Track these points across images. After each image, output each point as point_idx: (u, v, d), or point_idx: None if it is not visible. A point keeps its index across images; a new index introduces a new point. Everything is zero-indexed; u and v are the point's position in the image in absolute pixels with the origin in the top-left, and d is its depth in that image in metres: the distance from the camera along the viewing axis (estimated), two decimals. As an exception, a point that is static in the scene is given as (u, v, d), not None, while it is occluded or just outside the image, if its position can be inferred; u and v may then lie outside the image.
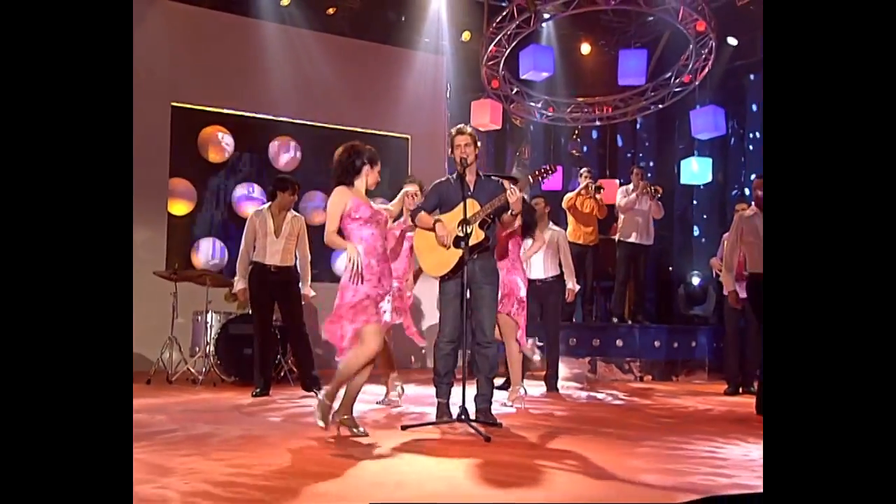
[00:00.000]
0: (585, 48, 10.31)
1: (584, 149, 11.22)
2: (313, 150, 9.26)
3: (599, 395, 6.18)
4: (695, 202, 10.94)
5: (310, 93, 8.87)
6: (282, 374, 6.59)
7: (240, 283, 5.70)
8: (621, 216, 8.17)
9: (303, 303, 5.80)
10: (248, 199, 8.79)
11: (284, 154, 9.05)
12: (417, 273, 5.08)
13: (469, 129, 4.35)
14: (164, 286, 6.70)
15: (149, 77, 7.58)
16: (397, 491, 2.60)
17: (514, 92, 9.89)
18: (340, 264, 9.16)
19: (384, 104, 9.36)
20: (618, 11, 9.47)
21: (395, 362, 5.30)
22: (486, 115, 8.73)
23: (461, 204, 4.20)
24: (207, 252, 8.50)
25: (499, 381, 5.27)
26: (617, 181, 9.61)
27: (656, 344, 7.89)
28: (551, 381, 6.34)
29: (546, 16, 8.76)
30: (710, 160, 9.45)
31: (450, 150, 4.44)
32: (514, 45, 8.80)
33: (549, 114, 10.34)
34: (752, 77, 10.16)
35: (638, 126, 11.34)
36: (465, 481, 2.78)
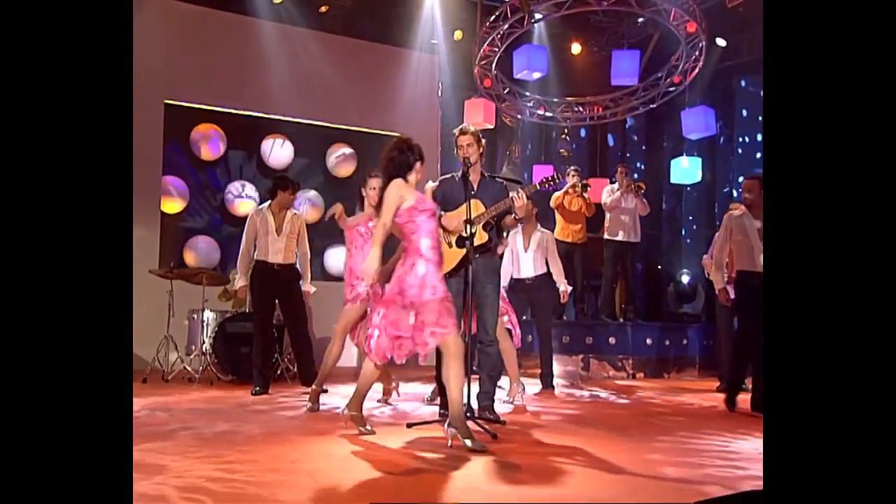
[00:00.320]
0: (576, 48, 10.38)
1: (574, 146, 11.30)
2: (306, 148, 9.26)
3: (602, 394, 6.21)
4: (683, 201, 11.07)
5: (303, 91, 8.85)
6: (278, 372, 6.60)
7: (240, 281, 5.74)
8: (608, 215, 8.25)
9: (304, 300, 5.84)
10: (241, 197, 8.77)
11: (277, 152, 9.03)
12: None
13: (472, 129, 4.38)
14: (159, 285, 6.67)
15: (141, 75, 7.51)
16: (415, 488, 2.64)
17: (505, 91, 9.94)
18: (332, 262, 9.19)
19: (377, 102, 9.36)
20: (608, 12, 9.54)
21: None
22: (479, 114, 8.77)
23: (465, 203, 4.24)
24: (204, 250, 8.47)
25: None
26: (608, 181, 9.68)
27: (648, 342, 7.98)
28: (546, 378, 6.38)
29: (538, 16, 8.81)
30: (699, 160, 9.56)
31: (455, 149, 4.47)
32: (507, 44, 8.85)
33: (541, 113, 10.41)
34: (742, 83, 10.29)
35: (628, 126, 11.43)
36: (481, 479, 2.81)
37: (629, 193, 8.13)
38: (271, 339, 5.97)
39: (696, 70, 9.11)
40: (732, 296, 5.41)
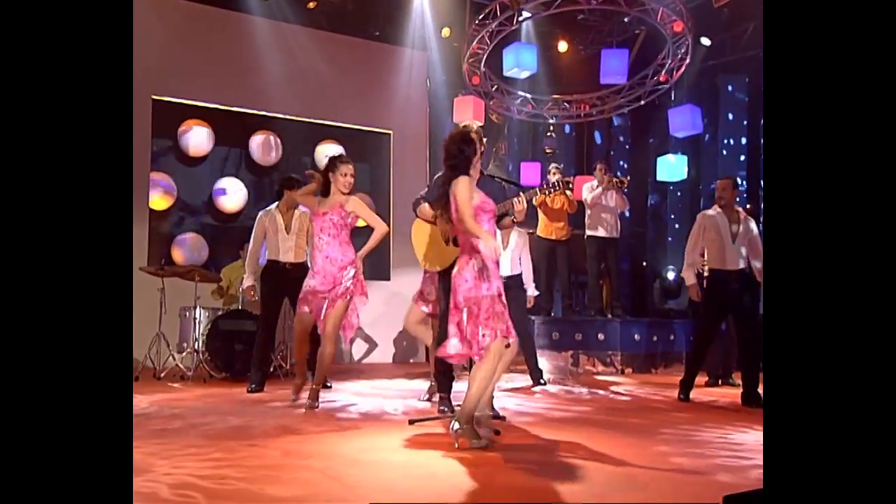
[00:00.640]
0: (562, 46, 10.45)
1: (557, 144, 11.39)
2: (294, 144, 9.23)
3: (601, 392, 6.26)
4: (668, 199, 11.20)
5: (291, 87, 8.81)
6: (272, 369, 6.59)
7: (248, 280, 5.76)
8: (588, 211, 8.32)
9: None
10: (228, 193, 8.73)
11: (265, 148, 8.99)
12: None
13: (475, 127, 4.40)
14: (148, 282, 6.62)
15: (130, 70, 7.45)
16: (427, 482, 2.67)
17: (493, 88, 9.99)
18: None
19: (366, 99, 9.35)
20: (594, 11, 9.62)
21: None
22: (469, 112, 8.79)
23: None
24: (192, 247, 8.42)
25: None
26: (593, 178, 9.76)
27: (636, 337, 8.07)
28: (534, 374, 6.38)
29: (526, 14, 8.86)
30: (685, 157, 9.68)
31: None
32: (495, 42, 8.89)
33: (528, 110, 10.47)
34: (729, 88, 10.43)
35: (615, 125, 11.55)
36: (489, 475, 2.84)
37: (610, 190, 8.20)
38: (272, 338, 5.98)
39: (682, 69, 9.23)
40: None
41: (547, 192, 4.59)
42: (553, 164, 8.70)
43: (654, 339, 8.24)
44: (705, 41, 9.73)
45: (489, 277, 3.35)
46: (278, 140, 9.04)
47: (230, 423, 4.02)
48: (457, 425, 3.33)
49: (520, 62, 8.55)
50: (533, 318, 7.62)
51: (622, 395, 5.94)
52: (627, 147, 11.72)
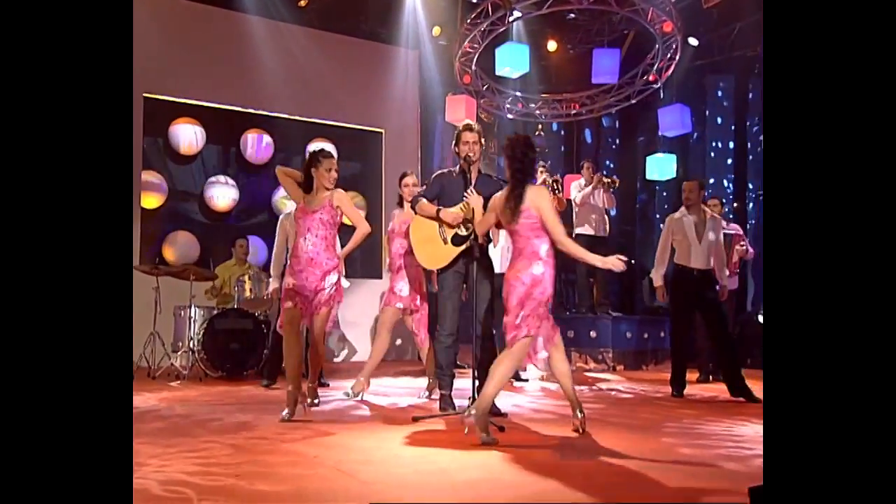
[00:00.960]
0: (552, 45, 10.51)
1: (546, 142, 11.45)
2: (286, 142, 9.21)
3: (603, 388, 6.31)
4: (657, 198, 11.31)
5: (283, 85, 8.80)
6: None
7: (274, 283, 5.82)
8: (575, 210, 8.37)
9: None
10: (220, 191, 8.69)
11: (257, 147, 8.97)
12: None
13: (476, 126, 4.45)
14: (141, 281, 6.56)
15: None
16: (439, 478, 2.71)
17: (484, 87, 10.03)
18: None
19: (358, 98, 9.36)
20: (584, 10, 9.69)
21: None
22: (461, 110, 8.84)
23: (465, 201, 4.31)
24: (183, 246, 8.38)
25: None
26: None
27: (628, 335, 8.15)
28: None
29: (518, 14, 8.90)
30: (674, 156, 9.78)
31: (453, 145, 4.51)
32: (487, 41, 8.93)
33: (518, 109, 10.52)
34: (718, 93, 10.54)
35: (604, 124, 11.64)
36: (504, 469, 2.89)
37: (599, 188, 8.25)
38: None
39: (671, 69, 9.32)
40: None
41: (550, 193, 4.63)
42: (540, 163, 8.74)
43: (645, 336, 8.34)
44: (693, 41, 9.84)
45: (547, 284, 3.52)
46: (270, 138, 9.01)
47: (238, 420, 4.06)
48: (473, 412, 3.39)
49: (512, 61, 8.61)
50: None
51: (623, 392, 6.00)
52: (614, 147, 11.81)
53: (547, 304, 3.57)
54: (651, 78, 9.68)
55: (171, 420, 4.07)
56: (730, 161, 10.61)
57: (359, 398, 5.04)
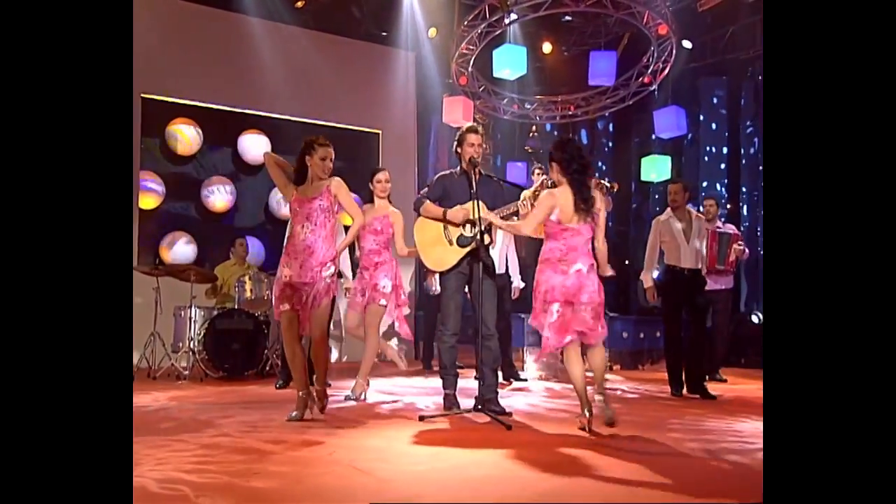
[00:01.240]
0: (547, 47, 10.57)
1: (540, 144, 11.52)
2: (283, 143, 9.20)
3: (606, 387, 6.37)
4: (650, 199, 11.39)
5: (280, 86, 8.80)
6: (268, 367, 6.61)
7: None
8: None
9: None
10: (217, 192, 8.69)
11: (254, 147, 8.97)
12: None
13: (481, 128, 4.50)
14: (140, 281, 6.56)
15: (119, 67, 7.39)
16: (454, 474, 2.75)
17: (481, 89, 10.08)
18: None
19: (355, 98, 9.38)
20: (578, 13, 9.75)
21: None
22: (458, 111, 8.88)
23: (469, 203, 4.35)
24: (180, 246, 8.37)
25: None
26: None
27: (624, 335, 8.22)
28: (505, 370, 6.39)
29: (514, 16, 8.95)
30: (668, 158, 9.86)
31: (455, 146, 4.54)
32: (484, 43, 8.98)
33: (514, 111, 10.58)
34: (712, 96, 10.62)
35: (598, 126, 11.72)
36: (516, 466, 2.93)
37: (597, 191, 8.30)
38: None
39: (666, 71, 9.41)
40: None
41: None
42: (536, 165, 8.81)
43: (641, 335, 8.40)
44: (687, 44, 9.92)
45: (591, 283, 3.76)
46: (267, 139, 9.02)
47: (246, 419, 4.09)
48: (599, 398, 3.71)
49: (510, 63, 8.66)
50: (522, 315, 7.72)
51: (628, 391, 6.07)
52: (608, 148, 11.90)
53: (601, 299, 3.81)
54: (646, 80, 9.76)
55: (176, 419, 4.08)
56: (723, 164, 10.71)
57: (362, 399, 5.07)
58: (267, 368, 6.59)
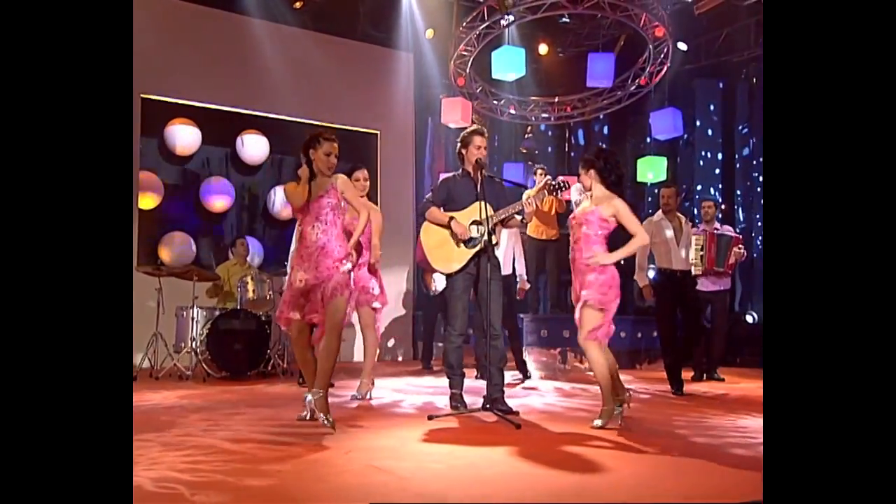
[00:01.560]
0: (543, 49, 10.63)
1: (536, 144, 11.59)
2: (282, 144, 9.23)
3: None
4: (646, 200, 11.48)
5: (279, 86, 8.80)
6: (269, 367, 6.64)
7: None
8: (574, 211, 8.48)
9: None
10: (216, 192, 8.70)
11: (253, 148, 8.99)
12: None
13: (485, 131, 4.55)
14: (141, 281, 6.56)
15: (119, 68, 7.38)
16: (470, 472, 2.79)
17: (478, 90, 10.13)
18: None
19: (354, 99, 9.39)
20: (576, 14, 9.82)
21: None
22: (457, 113, 8.93)
23: (474, 204, 4.41)
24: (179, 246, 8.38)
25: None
26: (576, 179, 9.95)
27: (622, 334, 8.26)
28: (520, 367, 6.78)
29: (511, 17, 8.99)
30: (664, 159, 9.94)
31: (459, 147, 4.58)
32: (483, 44, 9.03)
33: (511, 112, 10.64)
34: (707, 98, 10.71)
35: (595, 127, 11.80)
36: (528, 464, 2.98)
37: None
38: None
39: (663, 73, 9.49)
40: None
41: (556, 194, 4.74)
42: (538, 166, 8.87)
43: (639, 335, 8.46)
44: (682, 46, 10.01)
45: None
46: (266, 139, 9.04)
47: (257, 416, 4.13)
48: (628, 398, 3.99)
49: (509, 65, 8.70)
50: (522, 315, 7.78)
51: (637, 391, 6.13)
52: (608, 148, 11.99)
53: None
54: (642, 82, 9.84)
55: (180, 419, 4.10)
56: (717, 168, 10.81)
57: (367, 398, 5.10)
58: (269, 368, 6.60)
